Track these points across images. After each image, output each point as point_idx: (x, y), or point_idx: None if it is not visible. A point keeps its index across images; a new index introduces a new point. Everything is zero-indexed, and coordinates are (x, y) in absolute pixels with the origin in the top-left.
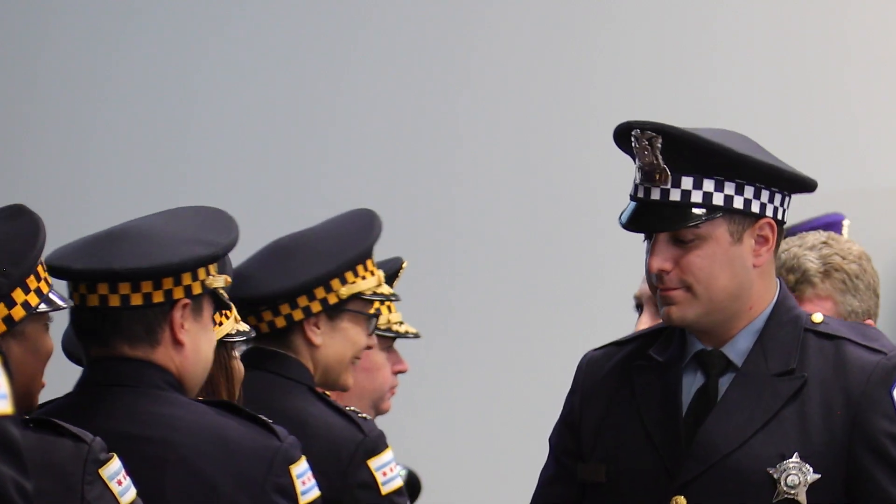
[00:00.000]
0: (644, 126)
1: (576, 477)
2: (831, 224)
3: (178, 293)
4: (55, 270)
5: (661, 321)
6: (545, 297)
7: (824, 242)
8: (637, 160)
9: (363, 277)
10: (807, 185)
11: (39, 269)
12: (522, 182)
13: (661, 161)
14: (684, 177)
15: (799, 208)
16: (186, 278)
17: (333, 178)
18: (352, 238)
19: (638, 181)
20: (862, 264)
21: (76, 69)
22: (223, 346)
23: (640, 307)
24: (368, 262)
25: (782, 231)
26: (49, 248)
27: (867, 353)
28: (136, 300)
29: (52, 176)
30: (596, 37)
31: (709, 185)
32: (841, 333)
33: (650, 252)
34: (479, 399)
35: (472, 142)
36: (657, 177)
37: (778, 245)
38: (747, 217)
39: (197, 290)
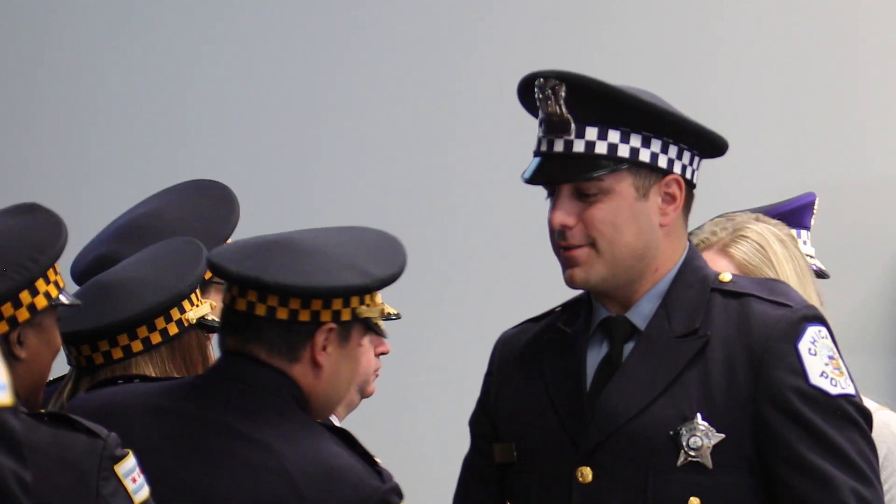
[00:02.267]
0: (547, 74)
1: (493, 459)
2: (805, 206)
3: (326, 316)
4: (213, 268)
5: None
6: (541, 294)
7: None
8: (540, 112)
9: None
10: (717, 144)
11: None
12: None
13: (564, 110)
14: (589, 127)
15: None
16: (336, 304)
17: (332, 176)
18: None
19: (541, 134)
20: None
21: (74, 66)
22: (202, 328)
23: None
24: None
25: (692, 194)
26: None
27: (772, 308)
28: (282, 314)
29: (49, 174)
30: (596, 36)
31: (614, 135)
32: (747, 290)
33: (552, 207)
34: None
35: (467, 138)
36: (561, 128)
37: (688, 207)
38: (654, 172)
39: (346, 316)
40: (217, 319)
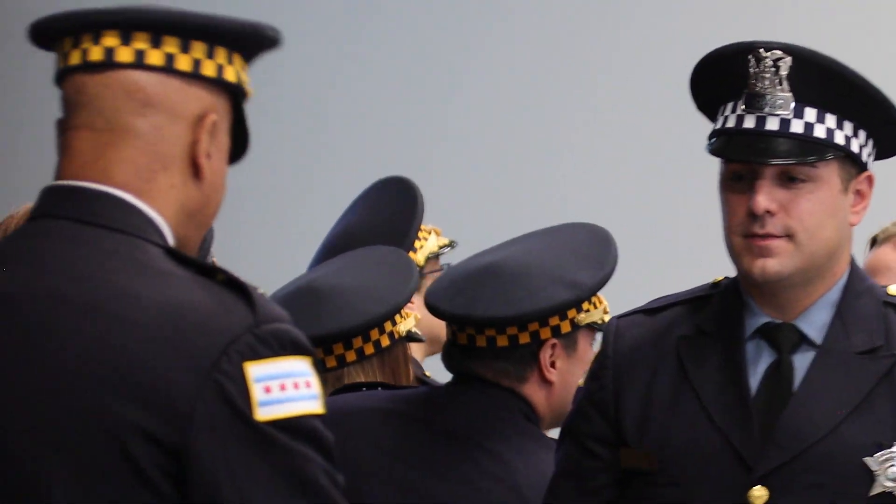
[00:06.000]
0: (771, 45)
1: (605, 464)
2: None
3: (546, 334)
4: (429, 307)
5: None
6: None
7: None
8: (750, 86)
9: None
10: None
11: None
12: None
13: (786, 86)
14: (808, 107)
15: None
16: (553, 320)
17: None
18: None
19: (742, 110)
20: None
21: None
22: (408, 340)
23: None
24: None
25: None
26: None
27: None
28: (502, 342)
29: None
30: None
31: (831, 120)
32: None
33: (754, 191)
34: None
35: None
36: (777, 104)
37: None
38: (855, 166)
39: (566, 329)
40: (419, 332)
